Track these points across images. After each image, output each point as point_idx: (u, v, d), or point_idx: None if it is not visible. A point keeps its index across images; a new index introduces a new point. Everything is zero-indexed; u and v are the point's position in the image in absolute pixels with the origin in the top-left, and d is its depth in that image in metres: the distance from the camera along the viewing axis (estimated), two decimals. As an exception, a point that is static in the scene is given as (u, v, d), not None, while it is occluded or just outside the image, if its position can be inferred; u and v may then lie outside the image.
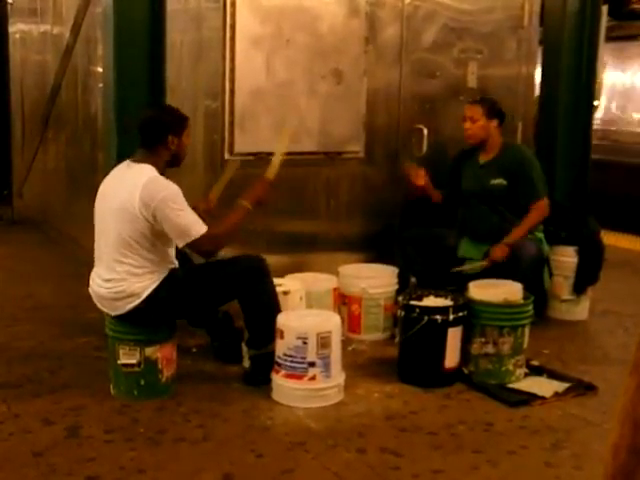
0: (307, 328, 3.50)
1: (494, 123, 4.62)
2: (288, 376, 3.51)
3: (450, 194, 4.83)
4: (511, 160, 4.61)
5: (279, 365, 3.55)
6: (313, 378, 3.49)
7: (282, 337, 3.52)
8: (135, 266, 3.48)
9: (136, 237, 3.45)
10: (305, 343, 3.46)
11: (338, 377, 3.59)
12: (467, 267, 4.50)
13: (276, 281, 3.80)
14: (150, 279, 3.50)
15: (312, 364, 3.48)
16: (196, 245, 3.46)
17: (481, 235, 4.61)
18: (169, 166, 3.62)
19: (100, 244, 3.61)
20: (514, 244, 4.38)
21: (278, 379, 3.55)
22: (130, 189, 3.44)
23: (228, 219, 3.61)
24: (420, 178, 4.70)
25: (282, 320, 3.58)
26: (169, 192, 3.40)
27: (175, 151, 3.60)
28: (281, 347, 3.53)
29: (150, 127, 3.60)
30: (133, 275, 3.48)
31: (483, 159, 4.69)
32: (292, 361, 3.49)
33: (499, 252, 4.40)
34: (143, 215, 3.40)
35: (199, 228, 3.43)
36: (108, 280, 3.53)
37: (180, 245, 3.49)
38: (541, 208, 4.55)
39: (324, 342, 3.49)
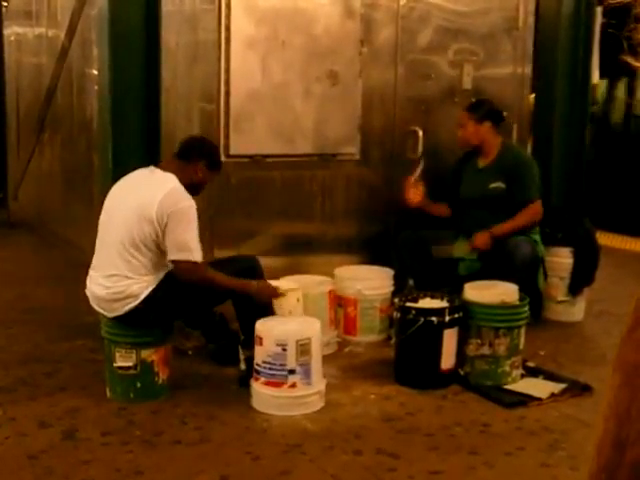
0: (286, 335, 3.43)
1: (486, 126, 4.61)
2: (267, 383, 3.44)
3: (452, 200, 4.80)
4: (509, 162, 4.60)
5: (258, 372, 3.48)
6: (293, 385, 3.43)
7: (261, 344, 3.45)
8: (139, 267, 3.49)
9: (145, 239, 3.47)
10: (284, 350, 3.40)
11: (319, 384, 3.52)
12: (455, 252, 4.61)
13: (273, 283, 3.77)
14: (149, 281, 3.51)
15: (292, 371, 3.42)
16: (184, 267, 3.47)
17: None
18: (186, 189, 3.56)
19: (105, 243, 3.59)
20: (507, 244, 4.37)
21: (257, 386, 3.48)
22: (152, 192, 3.48)
23: (225, 277, 3.58)
24: (417, 196, 4.63)
25: (261, 327, 3.50)
26: (188, 205, 3.47)
27: (197, 179, 3.65)
28: (260, 354, 3.46)
29: (193, 144, 3.72)
30: (135, 276, 3.49)
31: (482, 163, 4.69)
32: (271, 368, 3.42)
33: (482, 239, 4.42)
34: (156, 219, 3.43)
35: (197, 254, 3.47)
36: (109, 278, 3.52)
37: (172, 257, 3.47)
38: (533, 210, 4.54)
39: (304, 349, 3.43)
